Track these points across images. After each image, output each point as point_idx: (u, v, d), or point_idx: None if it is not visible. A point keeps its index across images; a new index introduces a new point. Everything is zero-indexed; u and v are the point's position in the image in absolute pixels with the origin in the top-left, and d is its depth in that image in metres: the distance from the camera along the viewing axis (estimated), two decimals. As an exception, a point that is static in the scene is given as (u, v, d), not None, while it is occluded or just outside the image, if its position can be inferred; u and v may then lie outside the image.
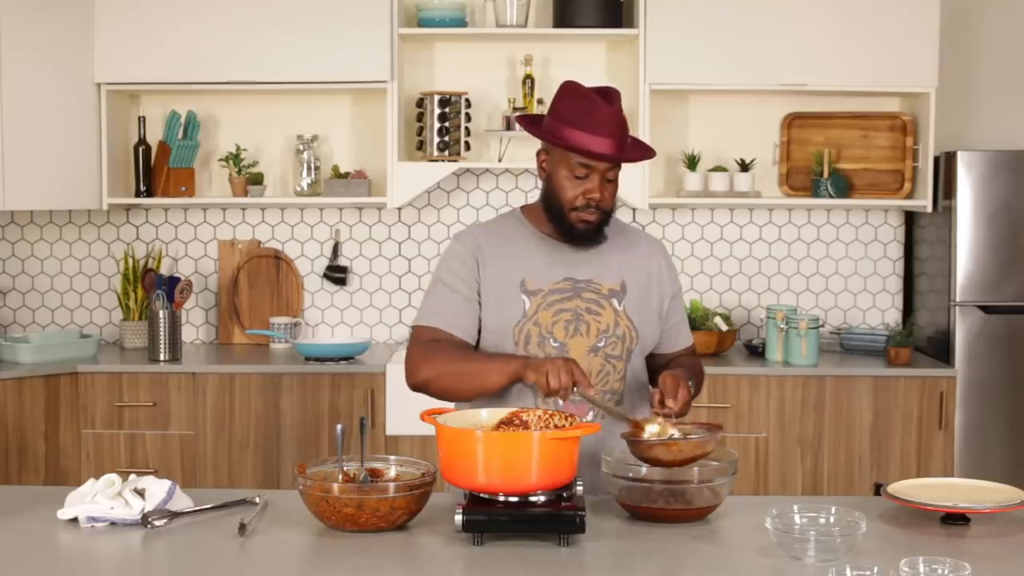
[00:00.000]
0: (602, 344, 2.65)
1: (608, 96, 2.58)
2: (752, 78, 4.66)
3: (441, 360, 2.60)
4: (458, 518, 2.20)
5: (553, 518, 2.22)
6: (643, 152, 2.68)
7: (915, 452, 4.47)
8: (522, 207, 2.78)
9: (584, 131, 2.54)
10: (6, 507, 2.48)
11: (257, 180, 4.88)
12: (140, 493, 2.39)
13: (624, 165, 2.65)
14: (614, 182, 2.63)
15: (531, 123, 2.69)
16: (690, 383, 2.61)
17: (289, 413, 4.46)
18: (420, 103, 4.76)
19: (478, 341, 2.68)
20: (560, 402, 2.50)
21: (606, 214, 2.64)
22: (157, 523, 2.34)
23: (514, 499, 2.24)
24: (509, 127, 4.75)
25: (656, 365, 2.79)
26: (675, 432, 2.45)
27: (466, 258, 2.67)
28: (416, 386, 2.65)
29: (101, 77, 4.66)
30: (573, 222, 2.62)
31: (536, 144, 2.69)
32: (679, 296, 2.83)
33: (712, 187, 4.82)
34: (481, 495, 2.25)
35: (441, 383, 2.61)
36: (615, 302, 2.67)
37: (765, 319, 4.76)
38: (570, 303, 2.65)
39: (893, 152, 4.88)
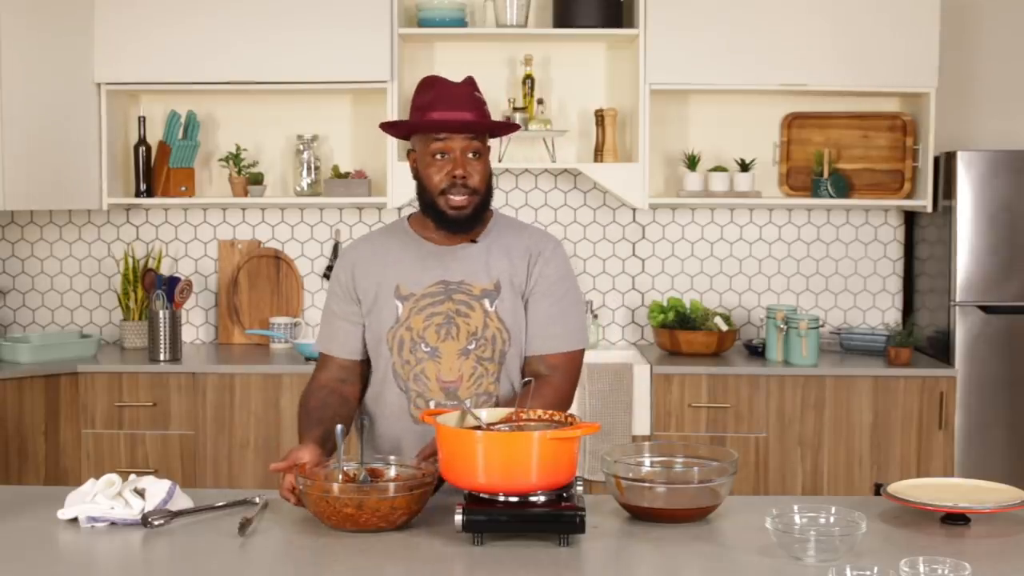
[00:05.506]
0: (472, 347, 2.61)
1: (458, 79, 2.60)
2: (752, 78, 4.66)
3: (300, 408, 2.69)
4: (458, 518, 2.20)
5: (553, 518, 2.21)
6: (496, 124, 2.61)
7: (915, 452, 4.46)
8: (409, 215, 2.74)
9: (424, 108, 2.55)
10: (6, 507, 2.48)
11: (257, 180, 4.88)
12: (140, 493, 2.39)
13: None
14: (480, 160, 2.57)
15: (390, 125, 2.70)
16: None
17: (289, 413, 4.46)
18: (420, 103, 4.75)
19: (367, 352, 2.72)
20: (467, 403, 2.50)
21: (479, 199, 2.58)
22: (157, 523, 2.34)
23: (514, 499, 2.24)
24: (509, 127, 4.74)
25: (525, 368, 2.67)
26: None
27: (338, 278, 2.72)
28: None
29: (101, 77, 4.66)
30: (444, 209, 2.57)
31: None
32: (556, 289, 2.65)
33: (712, 187, 4.82)
34: (481, 495, 2.25)
35: None
36: (487, 303, 2.62)
37: (765, 319, 4.76)
38: (442, 306, 2.61)
39: (893, 152, 4.88)
